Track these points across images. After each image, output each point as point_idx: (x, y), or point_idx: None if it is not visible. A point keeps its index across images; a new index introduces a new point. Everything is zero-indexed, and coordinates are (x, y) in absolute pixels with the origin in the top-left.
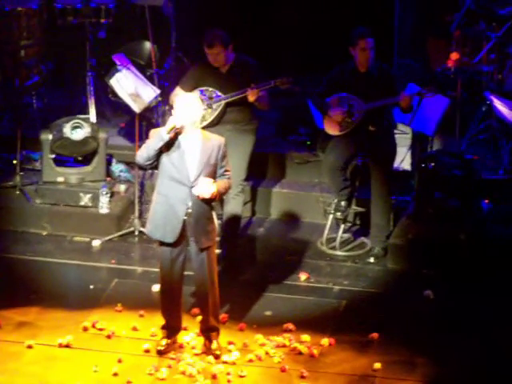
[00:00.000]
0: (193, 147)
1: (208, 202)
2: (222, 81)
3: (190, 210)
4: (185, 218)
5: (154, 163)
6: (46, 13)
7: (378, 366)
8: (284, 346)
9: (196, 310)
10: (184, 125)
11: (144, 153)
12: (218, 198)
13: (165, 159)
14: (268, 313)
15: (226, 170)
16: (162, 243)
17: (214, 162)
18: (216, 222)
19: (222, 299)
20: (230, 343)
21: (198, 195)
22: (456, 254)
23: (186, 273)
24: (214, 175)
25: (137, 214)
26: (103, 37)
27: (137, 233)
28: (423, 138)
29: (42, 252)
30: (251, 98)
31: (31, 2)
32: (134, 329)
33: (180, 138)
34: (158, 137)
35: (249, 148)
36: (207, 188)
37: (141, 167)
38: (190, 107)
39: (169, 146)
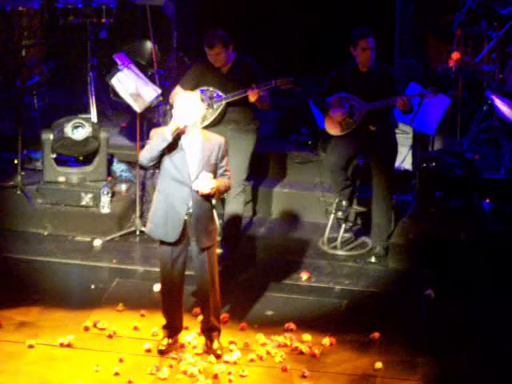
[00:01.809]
0: (193, 147)
1: (208, 200)
2: (223, 81)
3: (190, 210)
4: (185, 217)
5: (157, 163)
6: (47, 12)
7: (379, 365)
8: (285, 345)
9: (197, 310)
10: (187, 125)
11: (147, 154)
12: (218, 196)
13: (166, 159)
14: (269, 312)
15: (226, 170)
16: (162, 242)
17: (214, 161)
18: (217, 221)
19: (223, 299)
20: (231, 343)
21: (198, 190)
22: (457, 254)
23: (186, 272)
24: (214, 175)
25: (138, 213)
26: (104, 36)
27: (138, 232)
28: (424, 137)
29: (43, 252)
30: (252, 98)
31: (32, 1)
32: (135, 328)
33: (181, 137)
34: (161, 138)
35: (250, 148)
36: (207, 183)
37: (143, 167)
38: (193, 106)
39: (170, 146)
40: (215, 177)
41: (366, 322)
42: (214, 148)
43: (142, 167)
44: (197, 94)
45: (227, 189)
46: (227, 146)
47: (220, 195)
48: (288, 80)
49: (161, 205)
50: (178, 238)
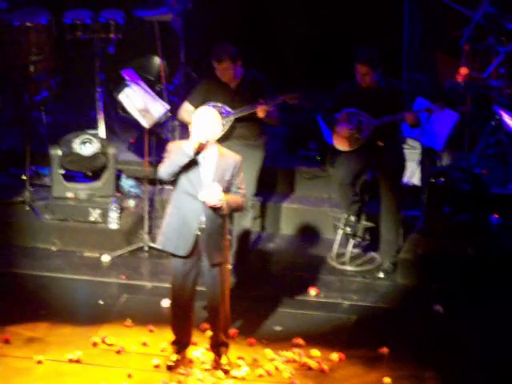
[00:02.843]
0: (209, 162)
1: (221, 216)
2: (231, 96)
3: (203, 226)
4: (198, 232)
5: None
6: (55, 28)
7: (387, 380)
8: (294, 361)
9: (205, 325)
10: (208, 140)
11: (168, 169)
12: (227, 212)
13: (181, 174)
14: (278, 328)
15: (240, 188)
16: (173, 256)
17: (229, 178)
18: (228, 237)
19: (233, 314)
20: (240, 358)
21: (205, 201)
22: (465, 269)
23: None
24: (227, 192)
25: (146, 229)
26: (112, 52)
27: (146, 248)
28: (432, 152)
29: (52, 267)
30: (261, 113)
31: (40, 17)
32: (144, 344)
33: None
34: (182, 153)
35: (258, 163)
36: (214, 194)
37: (154, 181)
38: (213, 122)
39: (190, 161)
40: (228, 194)
41: (374, 338)
42: (229, 166)
43: (151, 182)
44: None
45: (239, 207)
46: None
47: (230, 211)
48: (296, 95)
49: (173, 218)
50: (190, 253)
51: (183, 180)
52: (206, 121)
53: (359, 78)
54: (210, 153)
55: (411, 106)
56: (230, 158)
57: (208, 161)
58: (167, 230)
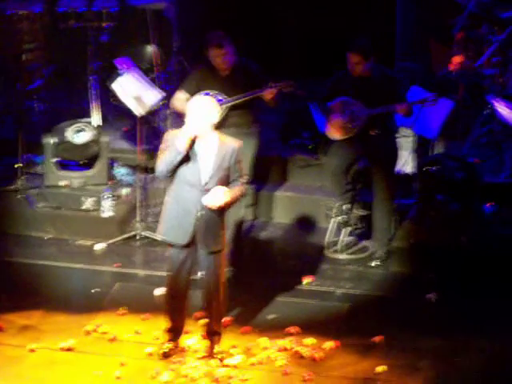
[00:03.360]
0: (207, 151)
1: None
2: (224, 84)
3: (199, 214)
4: (195, 221)
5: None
6: (48, 16)
7: (381, 369)
8: (287, 349)
9: (198, 314)
10: (198, 133)
11: (163, 168)
12: (229, 206)
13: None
14: (271, 316)
15: (241, 176)
16: (172, 245)
17: (227, 165)
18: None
19: (229, 304)
20: (233, 347)
21: (207, 204)
22: (458, 258)
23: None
24: (227, 179)
25: (139, 217)
26: (105, 40)
27: (139, 237)
28: (425, 141)
29: (45, 256)
30: (269, 96)
31: (33, 5)
32: (137, 332)
33: (196, 141)
34: (174, 151)
35: (251, 151)
36: (217, 198)
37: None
38: (205, 114)
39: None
40: (228, 181)
41: (367, 326)
42: (227, 152)
43: (144, 170)
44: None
45: (241, 196)
46: None
47: (233, 205)
48: (290, 83)
49: (172, 207)
50: (188, 242)
51: (182, 169)
52: (196, 113)
53: (350, 67)
54: (209, 141)
55: (405, 94)
56: (229, 144)
57: (207, 150)
58: (166, 219)
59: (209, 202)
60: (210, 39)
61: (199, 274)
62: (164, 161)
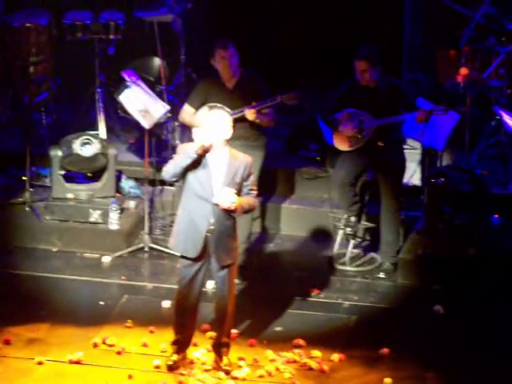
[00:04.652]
0: (219, 164)
1: (231, 217)
2: (229, 96)
3: (212, 227)
4: (207, 234)
5: (180, 179)
6: (55, 29)
7: (388, 381)
8: (294, 361)
9: (206, 326)
10: (213, 143)
11: (171, 169)
12: (240, 213)
13: (190, 175)
14: (278, 328)
15: (252, 189)
16: (183, 257)
17: (240, 180)
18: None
19: (237, 316)
20: (241, 359)
21: (218, 204)
22: (466, 269)
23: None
24: (238, 194)
25: (146, 230)
26: (112, 53)
27: (147, 249)
28: (433, 153)
29: (52, 268)
30: (250, 116)
31: (40, 18)
32: (144, 345)
33: (207, 154)
34: (185, 154)
35: (258, 163)
36: (228, 197)
37: (157, 180)
38: (220, 126)
39: (196, 163)
40: (239, 195)
41: (375, 338)
42: (239, 167)
43: (151, 183)
44: (225, 112)
45: (252, 208)
46: None
47: (243, 212)
48: (294, 95)
49: (183, 220)
50: (199, 255)
51: (193, 182)
52: (213, 124)
53: (358, 75)
54: (220, 155)
55: (414, 103)
56: (241, 159)
57: (218, 163)
58: (177, 232)
59: (219, 201)
60: (215, 43)
61: (208, 286)
62: (173, 162)
